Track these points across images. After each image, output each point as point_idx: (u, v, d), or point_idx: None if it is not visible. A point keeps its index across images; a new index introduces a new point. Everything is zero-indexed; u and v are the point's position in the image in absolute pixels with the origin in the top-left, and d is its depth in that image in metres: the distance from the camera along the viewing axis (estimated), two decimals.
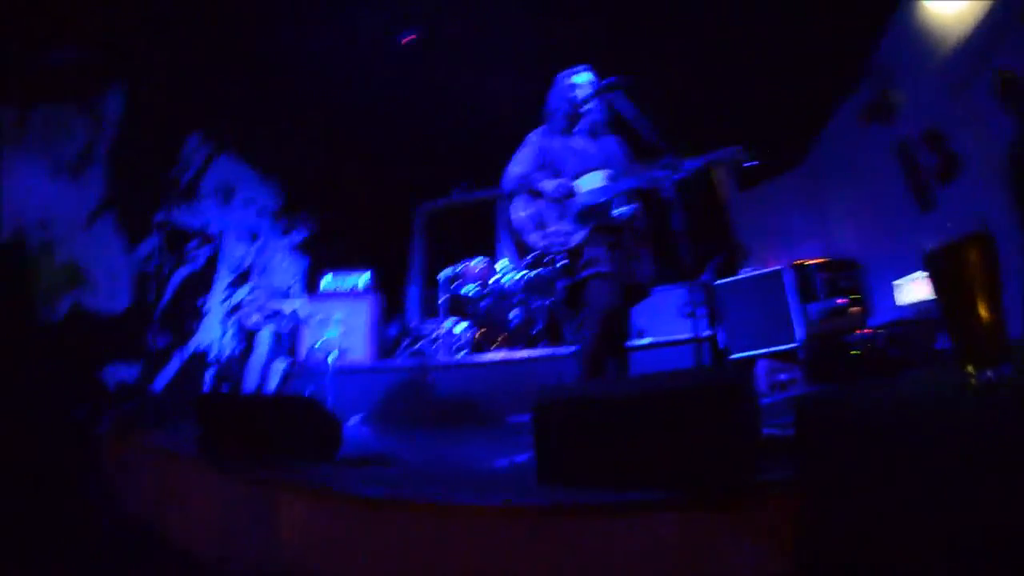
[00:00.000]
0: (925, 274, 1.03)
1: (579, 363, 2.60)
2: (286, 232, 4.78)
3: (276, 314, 4.54)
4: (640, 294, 2.76)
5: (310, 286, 6.23)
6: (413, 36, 5.37)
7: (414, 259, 9.07)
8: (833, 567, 1.12)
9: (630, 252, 2.69)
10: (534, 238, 2.71)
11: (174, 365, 5.10)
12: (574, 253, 2.59)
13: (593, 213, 2.61)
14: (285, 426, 2.25)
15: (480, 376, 4.94)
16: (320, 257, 6.49)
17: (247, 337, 4.59)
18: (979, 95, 3.87)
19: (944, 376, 1.34)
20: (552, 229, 2.63)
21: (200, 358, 5.36)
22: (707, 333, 5.05)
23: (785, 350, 4.57)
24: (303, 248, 4.93)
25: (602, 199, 2.61)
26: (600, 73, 2.95)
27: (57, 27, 4.11)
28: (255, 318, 4.51)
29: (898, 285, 4.82)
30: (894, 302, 4.84)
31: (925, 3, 4.12)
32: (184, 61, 5.17)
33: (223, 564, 1.88)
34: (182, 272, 5.36)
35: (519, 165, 2.88)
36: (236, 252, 5.98)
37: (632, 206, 2.67)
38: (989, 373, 0.96)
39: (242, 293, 4.55)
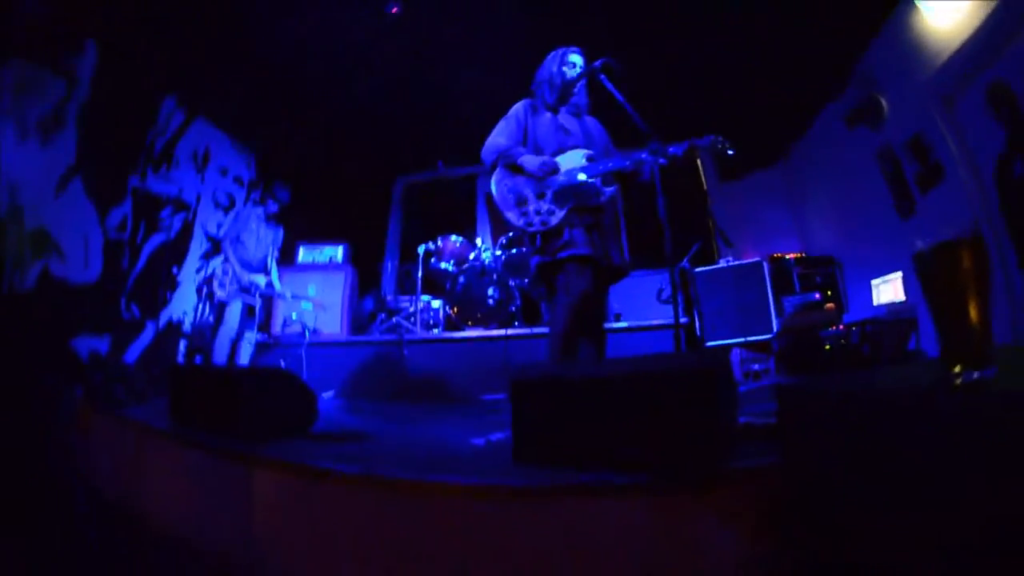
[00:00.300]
0: (914, 273, 1.03)
1: (551, 344, 2.57)
2: (261, 202, 4.67)
3: (248, 286, 4.44)
4: (616, 276, 2.75)
5: (285, 258, 6.11)
6: (396, 7, 5.23)
7: (391, 233, 8.97)
8: (809, 552, 1.13)
9: (607, 234, 2.69)
10: (512, 215, 2.66)
11: (147, 336, 5.01)
12: (552, 233, 2.56)
13: (573, 193, 2.58)
14: (259, 398, 2.20)
15: (455, 353, 4.92)
16: (295, 228, 6.39)
17: (218, 309, 4.49)
18: (968, 106, 3.96)
19: (922, 373, 1.36)
20: (531, 207, 2.59)
21: (175, 329, 5.26)
22: (683, 320, 5.11)
23: (760, 341, 4.63)
24: (278, 219, 4.81)
25: (583, 179, 2.58)
26: (589, 56, 2.93)
27: None
28: (226, 290, 4.41)
29: (875, 285, 4.92)
30: (870, 301, 4.93)
31: (920, 6, 4.14)
32: (159, 21, 4.94)
33: (194, 539, 1.85)
34: (155, 240, 5.23)
35: (501, 136, 2.82)
36: (211, 221, 5.85)
37: (612, 188, 2.66)
38: (975, 374, 0.96)
39: (216, 263, 4.45)
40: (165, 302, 5.27)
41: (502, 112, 3.03)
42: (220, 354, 4.42)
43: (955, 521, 0.83)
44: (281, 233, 4.99)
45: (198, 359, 4.96)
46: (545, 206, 2.58)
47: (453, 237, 6.06)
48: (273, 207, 4.72)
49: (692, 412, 1.42)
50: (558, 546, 1.35)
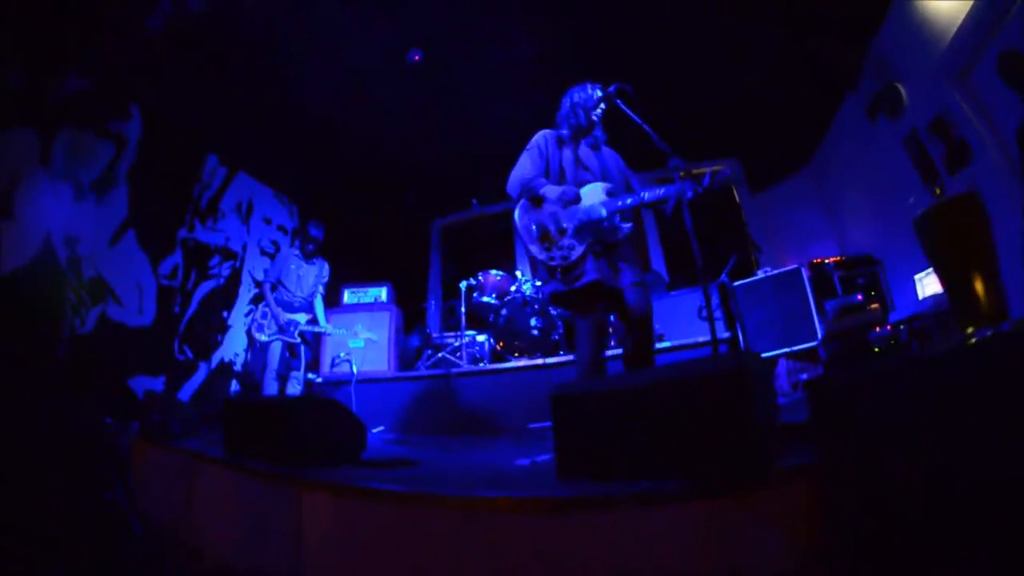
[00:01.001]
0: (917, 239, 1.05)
1: (578, 373, 2.63)
2: (303, 247, 4.87)
3: (286, 325, 4.55)
4: (619, 300, 2.71)
5: (330, 300, 6.29)
6: (418, 55, 5.47)
7: (432, 272, 9.20)
8: (854, 550, 1.12)
9: (624, 260, 2.72)
10: (535, 248, 2.71)
11: (200, 375, 5.27)
12: (572, 267, 2.60)
13: (592, 229, 2.63)
14: (309, 426, 2.29)
15: (501, 384, 4.90)
16: (339, 273, 6.60)
17: (260, 350, 4.69)
18: (982, 78, 3.89)
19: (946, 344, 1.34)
20: (554, 243, 2.64)
21: (226, 369, 5.50)
22: (726, 335, 5.02)
23: (806, 349, 4.50)
24: (320, 254, 5.01)
25: (602, 214, 2.62)
26: (605, 80, 2.97)
27: (71, 56, 4.33)
28: (265, 332, 4.56)
29: (919, 279, 4.74)
30: (916, 296, 4.74)
31: None
32: (198, 84, 5.32)
33: (244, 563, 1.92)
34: (206, 286, 5.55)
35: (523, 168, 2.86)
36: (258, 267, 6.15)
37: (629, 224, 2.69)
38: (987, 331, 0.97)
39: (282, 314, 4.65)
40: (217, 344, 5.56)
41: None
42: (270, 392, 4.56)
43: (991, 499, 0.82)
44: (327, 269, 5.07)
45: (250, 395, 5.15)
46: (567, 241, 2.62)
47: (493, 272, 6.13)
48: (309, 246, 4.86)
49: (727, 413, 1.43)
50: (603, 557, 1.36)
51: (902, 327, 4.25)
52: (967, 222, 0.94)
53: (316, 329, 4.78)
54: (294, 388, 4.70)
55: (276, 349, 4.58)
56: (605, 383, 1.84)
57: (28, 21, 3.99)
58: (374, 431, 4.82)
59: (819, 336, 4.46)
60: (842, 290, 5.08)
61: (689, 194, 2.50)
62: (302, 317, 4.76)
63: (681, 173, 2.47)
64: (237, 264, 6.00)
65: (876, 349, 4.15)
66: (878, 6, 4.72)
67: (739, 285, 5.12)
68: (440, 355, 5.80)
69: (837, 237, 6.76)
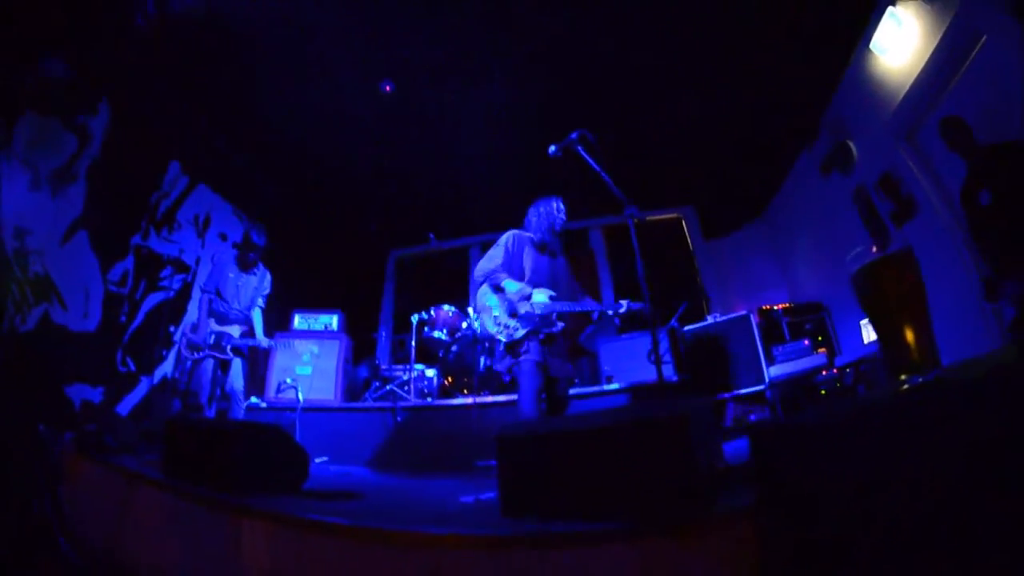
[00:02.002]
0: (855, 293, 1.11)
1: (522, 407, 3.14)
2: (243, 256, 4.62)
3: (219, 341, 4.26)
4: (553, 384, 3.35)
5: (280, 323, 6.16)
6: (390, 86, 5.53)
7: (385, 303, 9.10)
8: None
9: (556, 351, 3.35)
10: (489, 322, 3.37)
11: (141, 390, 5.00)
12: (516, 343, 3.26)
13: (535, 321, 3.29)
14: (253, 454, 2.21)
15: (448, 420, 4.84)
16: (291, 296, 6.47)
17: (193, 367, 4.36)
18: (928, 138, 4.17)
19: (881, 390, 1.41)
20: (504, 322, 3.32)
21: (169, 386, 5.24)
22: (675, 378, 5.12)
23: (754, 392, 4.63)
24: (263, 272, 4.79)
25: (544, 313, 3.29)
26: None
27: (48, 42, 4.17)
28: (193, 351, 4.27)
29: (864, 324, 4.97)
30: (861, 341, 4.96)
31: (875, 51, 4.40)
32: (170, 90, 5.24)
33: None
34: (155, 298, 5.30)
35: (492, 262, 3.48)
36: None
37: (563, 323, 3.36)
38: (919, 379, 1.02)
39: (213, 325, 4.39)
40: (161, 359, 5.29)
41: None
42: (212, 414, 4.34)
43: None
44: (268, 279, 4.74)
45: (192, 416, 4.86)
46: (513, 323, 3.29)
47: (446, 307, 6.10)
48: (251, 254, 4.53)
49: (668, 457, 1.46)
50: None
51: (848, 370, 4.40)
52: (901, 277, 1.02)
53: (250, 342, 4.42)
54: (237, 412, 4.46)
55: (207, 368, 4.24)
56: (549, 425, 1.87)
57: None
58: (317, 461, 4.68)
59: (767, 380, 4.60)
60: (790, 335, 5.26)
61: (610, 312, 3.43)
62: (236, 330, 4.43)
63: (635, 220, 3.01)
64: (189, 278, 5.78)
65: (823, 392, 4.32)
66: (835, 70, 5.03)
67: (689, 330, 5.25)
68: (388, 387, 5.68)
69: (787, 285, 7.03)
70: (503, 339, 3.29)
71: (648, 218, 8.30)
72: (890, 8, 4.12)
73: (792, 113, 5.67)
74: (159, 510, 2.18)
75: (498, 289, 3.42)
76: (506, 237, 3.61)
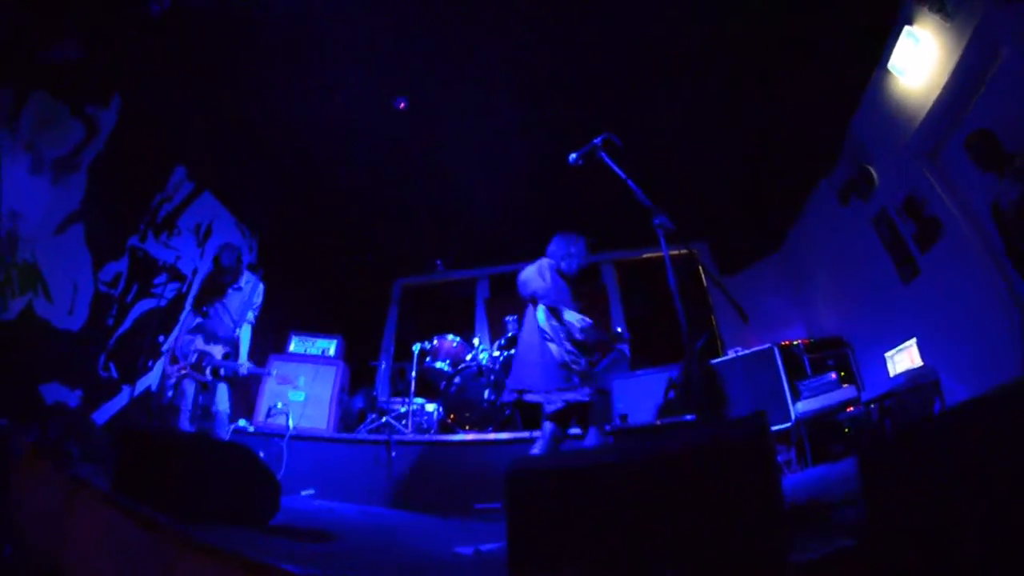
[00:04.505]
0: None
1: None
2: (215, 284, 4.38)
3: (199, 361, 3.99)
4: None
5: (276, 345, 5.93)
6: (404, 102, 5.44)
7: (387, 332, 8.87)
8: None
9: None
10: (560, 350, 3.27)
11: (122, 399, 4.69)
12: (586, 374, 3.28)
13: (587, 348, 3.36)
14: (207, 474, 1.89)
15: (447, 457, 4.56)
16: (290, 317, 6.24)
17: (175, 386, 4.09)
18: (952, 156, 4.04)
19: None
20: (574, 349, 3.29)
21: (152, 399, 4.92)
22: (691, 417, 4.78)
23: (780, 430, 4.30)
24: (255, 283, 4.54)
25: (594, 342, 3.41)
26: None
27: (71, 21, 4.11)
28: (176, 367, 4.02)
29: (889, 357, 4.72)
30: (887, 374, 4.69)
31: (893, 71, 4.31)
32: (184, 91, 5.16)
33: None
34: (146, 304, 5.05)
35: (544, 281, 3.49)
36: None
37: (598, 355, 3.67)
38: None
39: (198, 343, 4.14)
40: (146, 369, 5.00)
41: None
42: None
43: None
44: (260, 291, 4.52)
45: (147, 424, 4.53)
46: (577, 351, 3.30)
47: (450, 337, 5.92)
48: (225, 277, 4.33)
49: (748, 489, 1.11)
50: None
51: (872, 406, 4.18)
52: None
53: (232, 366, 4.11)
54: (223, 432, 4.15)
55: (188, 389, 3.96)
56: (577, 458, 1.48)
57: None
58: (303, 493, 4.41)
59: (793, 417, 4.33)
60: (812, 371, 4.99)
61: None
62: (219, 351, 4.13)
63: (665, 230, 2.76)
64: (184, 288, 5.54)
65: (847, 430, 4.09)
66: (852, 93, 4.92)
67: (716, 363, 5.01)
68: (384, 420, 5.45)
69: (804, 320, 6.78)
70: (575, 367, 3.24)
71: (659, 254, 8.12)
72: (907, 27, 4.04)
73: (809, 141, 5.54)
74: (99, 525, 1.95)
75: (555, 314, 3.38)
76: (546, 264, 3.65)
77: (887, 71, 4.38)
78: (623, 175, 2.83)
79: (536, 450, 3.17)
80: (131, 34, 4.49)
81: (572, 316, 3.36)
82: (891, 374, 4.63)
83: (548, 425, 3.21)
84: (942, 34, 3.80)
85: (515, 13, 4.59)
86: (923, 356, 4.34)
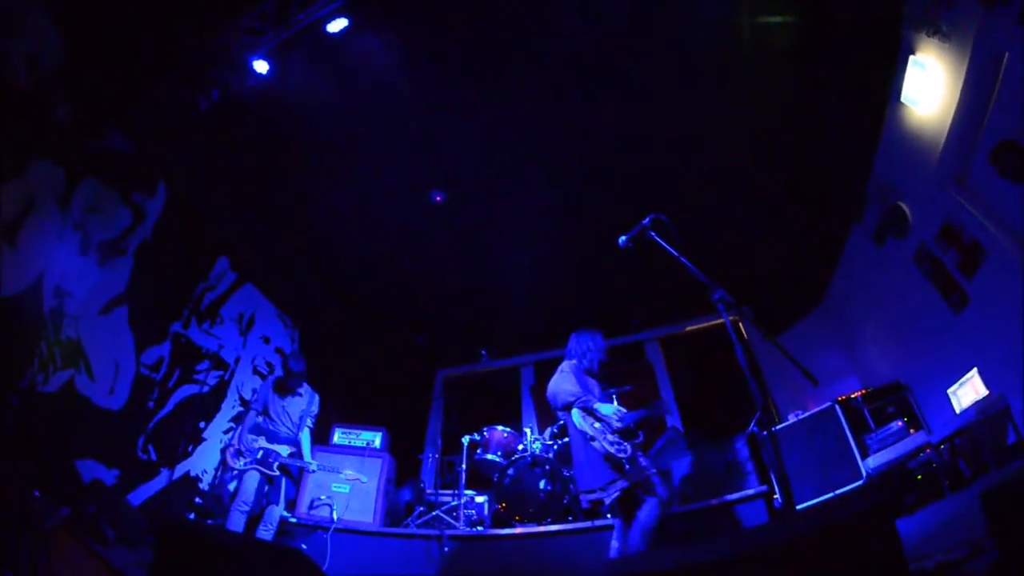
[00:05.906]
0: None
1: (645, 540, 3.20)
2: (285, 382, 4.58)
3: (266, 457, 4.10)
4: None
5: (320, 437, 5.84)
6: (441, 196, 5.68)
7: (432, 423, 8.75)
8: None
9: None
10: (605, 444, 3.42)
11: (159, 482, 4.70)
12: (632, 458, 3.39)
13: (630, 431, 3.49)
14: None
15: (504, 551, 4.43)
16: (331, 410, 6.22)
17: (235, 478, 4.17)
18: (979, 177, 3.95)
19: None
20: (616, 441, 3.43)
21: (191, 483, 4.94)
22: (759, 489, 4.51)
23: (853, 489, 4.02)
24: (312, 395, 4.68)
25: (631, 422, 3.51)
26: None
27: (121, 112, 4.49)
28: (240, 460, 4.11)
29: (952, 393, 4.44)
30: (952, 412, 4.40)
31: (906, 103, 4.31)
32: (230, 183, 5.51)
33: None
34: (187, 390, 5.18)
35: (571, 384, 3.69)
36: (247, 386, 5.80)
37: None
38: None
39: (261, 443, 4.24)
40: (186, 454, 5.05)
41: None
42: (234, 525, 3.95)
43: None
44: (316, 401, 4.74)
45: (208, 523, 4.46)
46: (617, 439, 3.44)
47: (500, 428, 5.85)
48: (291, 381, 4.57)
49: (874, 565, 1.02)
50: None
51: (942, 447, 3.96)
52: None
53: (299, 463, 4.39)
54: (266, 529, 4.11)
55: (252, 479, 4.13)
56: (684, 555, 1.32)
57: (96, 66, 4.26)
58: None
59: (864, 474, 4.11)
60: (874, 423, 4.69)
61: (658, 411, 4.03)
62: (284, 449, 4.36)
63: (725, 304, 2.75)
64: (226, 376, 5.69)
65: (918, 477, 3.83)
66: (870, 133, 4.94)
67: (777, 430, 4.88)
68: (434, 513, 5.25)
69: (857, 370, 6.46)
70: (623, 455, 3.36)
71: (703, 325, 8.08)
72: (911, 57, 4.11)
73: (835, 189, 5.55)
74: None
75: (590, 414, 3.55)
76: (568, 368, 3.86)
77: (901, 104, 4.40)
78: (676, 254, 2.87)
79: (613, 552, 3.32)
80: (178, 127, 4.90)
81: (607, 409, 3.54)
82: (957, 410, 4.36)
83: (615, 521, 3.42)
84: (945, 55, 3.84)
85: (541, 102, 4.90)
86: (987, 385, 4.08)
